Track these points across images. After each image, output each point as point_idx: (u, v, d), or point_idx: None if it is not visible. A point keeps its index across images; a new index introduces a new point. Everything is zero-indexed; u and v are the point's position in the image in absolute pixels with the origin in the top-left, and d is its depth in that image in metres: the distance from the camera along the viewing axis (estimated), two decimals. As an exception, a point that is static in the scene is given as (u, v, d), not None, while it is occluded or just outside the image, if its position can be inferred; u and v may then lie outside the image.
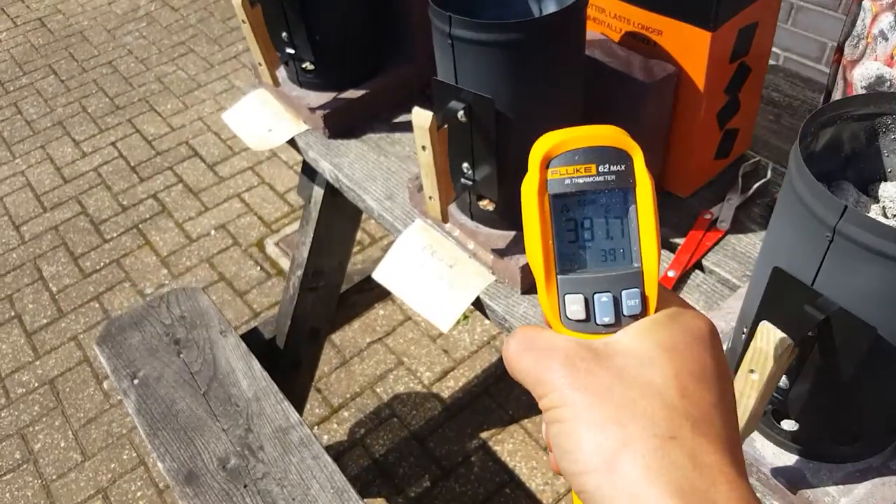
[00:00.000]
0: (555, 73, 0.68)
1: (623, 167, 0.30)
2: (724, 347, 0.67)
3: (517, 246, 0.79)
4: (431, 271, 0.84)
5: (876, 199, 0.54)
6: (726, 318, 0.70)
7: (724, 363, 0.29)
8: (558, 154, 0.30)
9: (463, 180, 0.77)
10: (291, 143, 1.07)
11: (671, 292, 0.32)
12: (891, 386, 0.51)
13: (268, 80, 0.99)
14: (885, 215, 0.53)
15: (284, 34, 0.99)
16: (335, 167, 1.00)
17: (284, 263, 2.04)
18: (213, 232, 2.17)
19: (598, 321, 0.30)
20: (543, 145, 0.30)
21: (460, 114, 0.69)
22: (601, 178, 0.30)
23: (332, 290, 1.27)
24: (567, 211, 0.30)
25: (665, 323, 0.29)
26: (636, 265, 0.30)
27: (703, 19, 0.69)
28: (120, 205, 2.31)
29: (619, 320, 0.30)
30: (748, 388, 0.50)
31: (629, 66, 0.74)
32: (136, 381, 1.15)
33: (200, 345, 1.21)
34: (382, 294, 1.53)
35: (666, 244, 0.82)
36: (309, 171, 1.16)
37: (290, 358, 1.29)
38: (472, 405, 1.63)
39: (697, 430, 0.26)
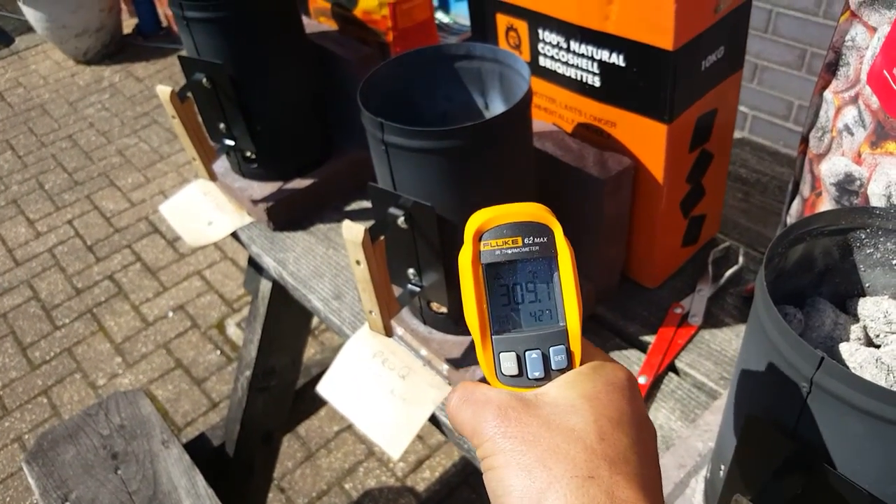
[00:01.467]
0: (500, 174, 0.62)
1: (545, 239, 0.34)
2: (703, 475, 0.59)
3: (474, 355, 0.71)
4: (382, 384, 0.76)
5: (856, 318, 0.48)
6: (703, 436, 0.63)
7: (641, 409, 0.32)
8: (489, 228, 0.34)
9: (410, 286, 0.70)
10: (234, 236, 1.00)
11: (594, 346, 0.35)
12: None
13: (203, 176, 0.92)
14: (867, 336, 0.46)
15: (222, 125, 0.93)
16: (279, 263, 0.93)
17: (246, 345, 1.94)
18: (170, 314, 2.07)
19: (529, 376, 0.33)
20: (476, 221, 0.34)
21: (400, 220, 0.62)
22: (527, 249, 0.34)
23: (286, 388, 1.18)
24: (498, 278, 0.34)
25: (588, 374, 0.32)
26: (561, 324, 0.34)
27: (657, 111, 0.64)
28: (74, 287, 2.20)
29: (549, 374, 0.33)
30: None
31: (582, 160, 0.69)
32: (66, 505, 1.04)
33: (140, 458, 1.10)
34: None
35: (635, 342, 0.76)
36: (255, 263, 1.08)
37: (241, 464, 1.18)
38: (450, 499, 1.51)
39: (614, 469, 0.28)
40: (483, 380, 0.35)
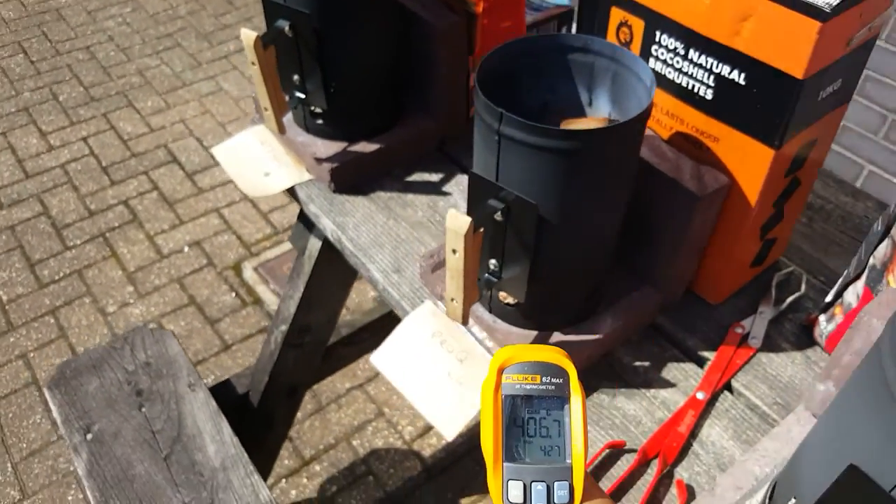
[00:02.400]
0: (608, 180, 0.62)
1: (561, 380, 0.38)
2: (758, 499, 0.61)
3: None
4: (439, 364, 0.77)
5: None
6: (760, 461, 0.64)
7: None
8: (511, 364, 0.38)
9: (487, 276, 0.69)
10: (290, 191, 0.99)
11: (595, 485, 0.39)
12: None
13: (273, 128, 0.90)
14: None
15: (296, 77, 0.90)
16: (338, 227, 0.91)
17: (262, 291, 1.94)
18: (186, 249, 2.05)
19: None
20: (501, 355, 0.38)
21: (497, 214, 0.62)
22: (543, 387, 0.37)
23: (318, 346, 1.18)
24: (515, 410, 0.37)
25: None
26: (567, 461, 0.37)
27: (768, 136, 0.63)
28: (87, 208, 2.17)
29: None
30: None
31: (679, 171, 0.68)
32: (89, 437, 1.04)
33: (165, 398, 1.10)
34: (374, 347, 1.45)
35: (693, 356, 0.76)
36: (306, 220, 1.07)
37: (263, 415, 1.19)
38: (454, 467, 1.54)
39: None
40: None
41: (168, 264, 2.01)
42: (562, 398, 0.37)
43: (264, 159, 1.01)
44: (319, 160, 0.94)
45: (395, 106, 1.00)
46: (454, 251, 0.60)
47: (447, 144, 1.04)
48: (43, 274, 1.98)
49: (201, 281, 1.96)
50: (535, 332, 0.73)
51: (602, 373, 0.75)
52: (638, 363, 0.75)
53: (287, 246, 2.06)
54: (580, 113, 0.71)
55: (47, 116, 2.51)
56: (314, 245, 1.06)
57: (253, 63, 0.82)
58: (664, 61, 0.70)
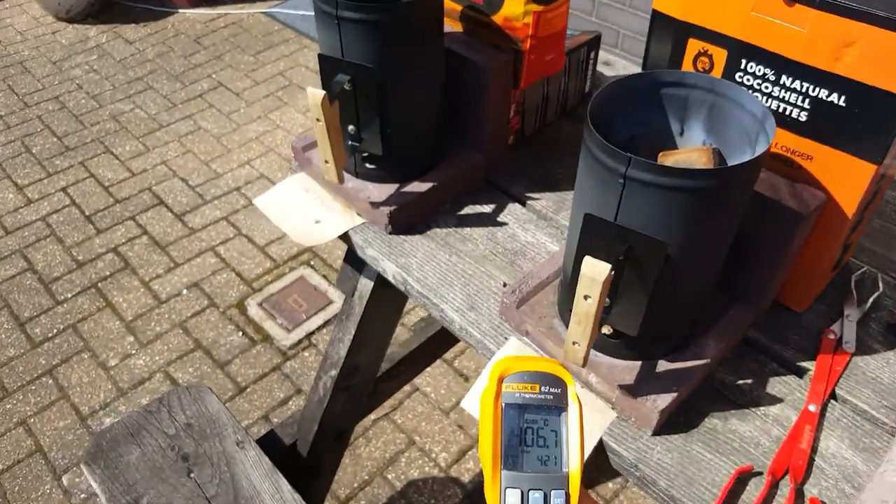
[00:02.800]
0: (732, 212, 0.62)
1: (559, 390, 0.38)
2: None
3: (650, 382, 0.70)
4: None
5: None
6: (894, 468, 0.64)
7: None
8: (511, 373, 0.39)
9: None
10: (343, 237, 0.96)
11: (588, 495, 0.39)
12: None
13: (333, 179, 0.87)
14: None
15: (351, 127, 0.88)
16: (402, 269, 0.89)
17: (270, 327, 1.88)
18: (185, 291, 1.98)
19: None
20: (500, 365, 0.39)
21: (620, 252, 0.60)
22: (542, 396, 0.38)
23: (366, 386, 1.14)
24: (514, 419, 0.38)
25: None
26: (564, 470, 0.37)
27: (871, 153, 0.64)
28: (74, 260, 2.07)
29: None
30: None
31: (776, 191, 0.69)
32: (142, 510, 0.98)
33: (214, 461, 1.05)
34: (413, 378, 1.41)
35: (792, 368, 0.76)
36: (355, 262, 1.04)
37: (310, 465, 1.14)
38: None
39: None
40: None
41: (168, 309, 1.93)
42: (559, 408, 0.38)
43: (312, 207, 0.98)
44: (375, 204, 0.92)
45: (441, 144, 0.98)
46: (586, 297, 0.59)
47: (491, 174, 1.03)
48: (35, 332, 1.87)
49: (205, 323, 1.89)
50: (639, 363, 0.72)
51: (706, 395, 0.74)
52: (741, 381, 0.75)
53: (290, 278, 2.00)
54: (670, 143, 0.71)
55: (22, 170, 2.40)
56: (365, 286, 1.03)
57: (318, 120, 0.80)
58: (751, 86, 0.70)
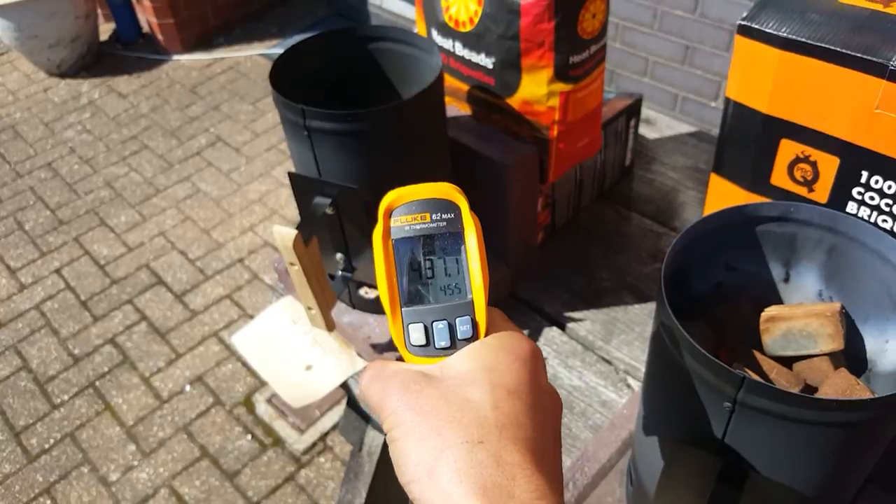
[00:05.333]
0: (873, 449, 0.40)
1: (452, 215, 0.36)
2: None
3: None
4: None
5: None
6: None
7: (541, 379, 0.34)
8: (399, 205, 0.36)
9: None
10: (344, 385, 0.76)
11: (504, 318, 0.36)
12: None
13: (321, 326, 0.68)
14: None
15: (340, 255, 0.69)
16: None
17: (281, 427, 1.69)
18: (188, 388, 1.80)
19: (436, 346, 0.34)
20: (387, 199, 0.36)
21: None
22: (434, 225, 0.36)
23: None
24: (408, 253, 0.35)
25: (491, 345, 0.34)
26: (468, 297, 0.35)
27: None
28: (70, 354, 1.91)
29: (455, 344, 0.34)
30: None
31: None
32: None
33: None
34: None
35: None
36: (360, 411, 0.84)
37: None
38: None
39: (504, 435, 0.30)
40: (399, 358, 0.35)
41: (170, 410, 1.75)
42: (456, 233, 0.35)
43: (301, 345, 0.79)
44: (378, 347, 0.72)
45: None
46: (292, 264, 0.38)
47: (518, 287, 0.83)
48: (31, 443, 1.71)
49: (210, 425, 1.71)
50: None
51: None
52: None
53: (302, 363, 1.82)
54: (770, 293, 0.50)
55: (14, 250, 2.26)
56: (374, 440, 0.83)
57: (292, 264, 0.60)
58: (874, 206, 0.49)
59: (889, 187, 0.48)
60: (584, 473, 0.60)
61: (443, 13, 0.72)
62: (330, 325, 0.70)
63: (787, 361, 0.49)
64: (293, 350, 0.79)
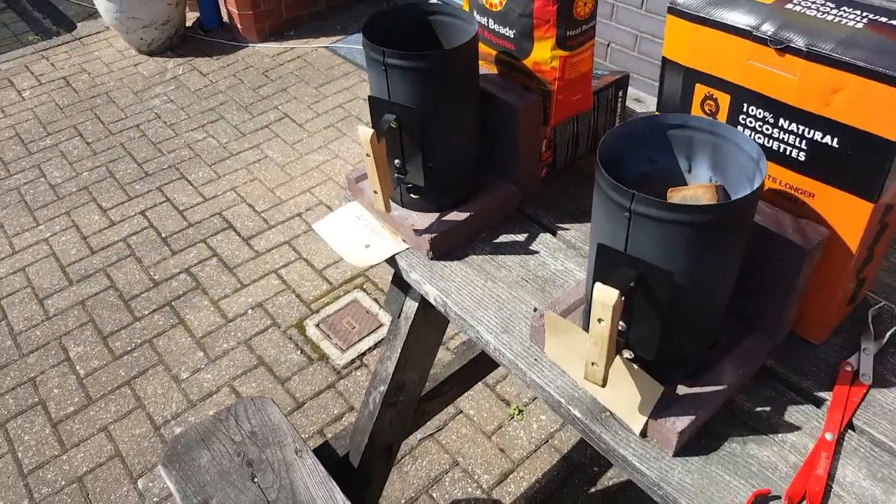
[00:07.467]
0: (737, 243, 0.68)
1: None
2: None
3: (671, 406, 0.76)
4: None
5: None
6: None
7: None
8: None
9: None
10: (390, 260, 1.05)
11: None
12: None
13: (381, 208, 0.98)
14: None
15: (397, 161, 0.98)
16: (442, 292, 0.98)
17: (326, 347, 2.00)
18: (250, 311, 2.13)
19: None
20: None
21: (631, 283, 0.67)
22: None
23: (411, 403, 1.23)
24: None
25: None
26: None
27: (866, 191, 0.69)
28: (151, 279, 2.26)
29: None
30: None
31: (780, 226, 0.74)
32: (211, 509, 1.09)
33: (275, 468, 1.15)
34: (456, 398, 1.49)
35: (811, 398, 0.80)
36: (401, 285, 1.14)
37: (361, 476, 1.24)
38: (538, 511, 1.57)
39: None
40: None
41: (234, 328, 2.08)
42: None
43: (363, 232, 1.09)
44: (418, 231, 1.01)
45: (477, 175, 1.07)
46: (600, 320, 0.66)
47: (524, 204, 1.11)
48: (115, 346, 2.06)
49: (267, 341, 2.03)
50: (660, 389, 0.78)
51: (726, 420, 0.79)
52: (759, 409, 0.79)
53: (345, 300, 2.13)
54: (679, 179, 0.78)
55: (106, 193, 2.63)
56: (410, 307, 1.13)
57: (368, 155, 0.90)
58: (753, 128, 0.76)
59: (759, 114, 0.75)
60: (555, 310, 0.88)
61: (483, -3, 1.02)
62: (387, 207, 0.99)
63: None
64: (357, 234, 1.09)
